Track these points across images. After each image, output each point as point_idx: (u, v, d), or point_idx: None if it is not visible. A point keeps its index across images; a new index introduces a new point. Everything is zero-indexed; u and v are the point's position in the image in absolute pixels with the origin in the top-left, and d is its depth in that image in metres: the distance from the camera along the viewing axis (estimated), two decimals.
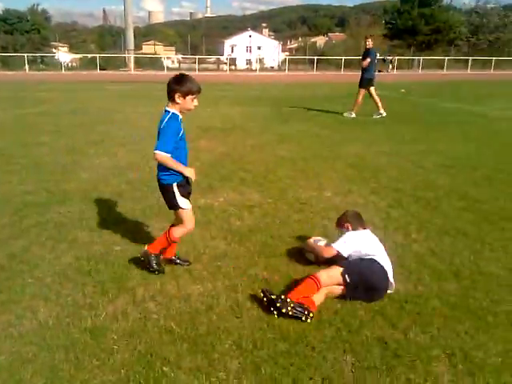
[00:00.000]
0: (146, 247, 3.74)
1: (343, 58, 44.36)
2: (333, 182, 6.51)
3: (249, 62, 66.81)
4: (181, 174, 3.50)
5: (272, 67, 61.15)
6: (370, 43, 12.64)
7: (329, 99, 18.01)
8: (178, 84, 3.39)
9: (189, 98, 3.42)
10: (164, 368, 2.64)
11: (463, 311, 3.27)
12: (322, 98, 18.40)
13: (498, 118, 12.87)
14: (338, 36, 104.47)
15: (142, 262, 3.74)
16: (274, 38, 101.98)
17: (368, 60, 12.56)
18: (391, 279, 3.46)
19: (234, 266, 3.90)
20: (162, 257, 3.80)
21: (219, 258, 4.07)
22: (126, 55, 45.03)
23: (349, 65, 43.99)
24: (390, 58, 43.08)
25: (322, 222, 4.95)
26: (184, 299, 3.37)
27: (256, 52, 76.23)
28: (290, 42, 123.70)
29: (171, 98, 3.43)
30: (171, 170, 3.46)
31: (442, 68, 43.84)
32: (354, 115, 12.92)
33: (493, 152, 8.52)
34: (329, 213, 5.20)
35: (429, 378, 2.61)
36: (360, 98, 12.98)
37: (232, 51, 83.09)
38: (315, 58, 45.43)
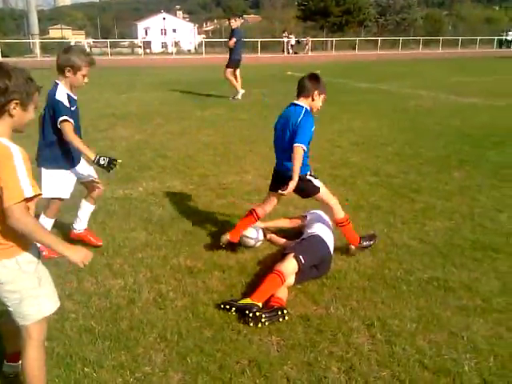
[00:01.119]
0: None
1: (259, 40, 44.54)
2: (254, 165, 6.55)
3: (164, 45, 65.17)
4: None
5: (189, 50, 60.05)
6: (234, 23, 12.65)
7: (246, 82, 18.02)
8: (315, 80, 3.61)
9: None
10: (85, 369, 2.54)
11: (380, 282, 3.45)
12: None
13: (407, 96, 13.58)
14: (253, 18, 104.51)
15: None
16: (189, 21, 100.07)
17: (234, 39, 12.48)
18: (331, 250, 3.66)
19: (156, 257, 3.82)
20: None
21: (140, 249, 3.96)
22: (31, 40, 42.02)
23: (266, 47, 44.25)
24: (305, 39, 43.91)
25: (245, 206, 4.97)
26: (104, 295, 3.25)
27: (171, 35, 74.42)
28: (206, 24, 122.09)
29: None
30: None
31: (354, 49, 45.39)
32: (240, 94, 12.89)
33: (402, 128, 9.00)
34: (251, 196, 5.23)
35: (350, 349, 2.72)
36: (233, 78, 12.87)
37: (146, 34, 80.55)
38: None
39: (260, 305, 3.01)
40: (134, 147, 7.53)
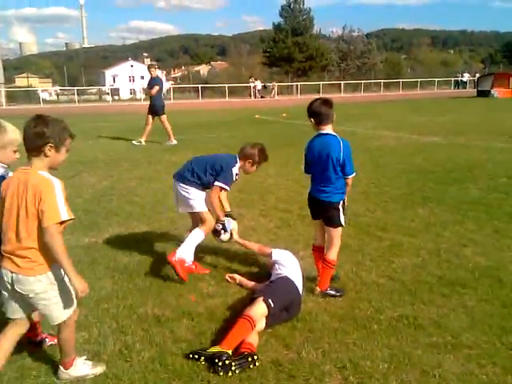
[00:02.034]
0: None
1: (226, 85, 45.54)
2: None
3: (133, 91, 65.63)
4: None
5: None
6: (153, 72, 13.17)
7: (213, 126, 18.27)
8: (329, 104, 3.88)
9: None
10: None
11: (350, 323, 3.43)
12: (207, 125, 18.59)
13: (371, 137, 14.00)
14: (220, 64, 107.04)
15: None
16: (157, 68, 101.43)
17: (156, 88, 12.81)
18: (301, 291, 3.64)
19: (123, 306, 3.70)
20: None
21: (106, 299, 3.84)
22: None
23: (233, 92, 45.22)
24: (271, 84, 45.17)
25: (215, 249, 4.92)
26: None
27: (139, 82, 75.18)
28: (174, 71, 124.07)
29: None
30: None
31: (319, 92, 46.85)
32: (143, 143, 12.96)
33: (367, 168, 9.20)
34: None
35: None
36: (149, 125, 13.08)
37: (114, 81, 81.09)
38: (199, 86, 46.03)
39: (230, 352, 2.93)
40: (100, 194, 7.43)
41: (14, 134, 2.87)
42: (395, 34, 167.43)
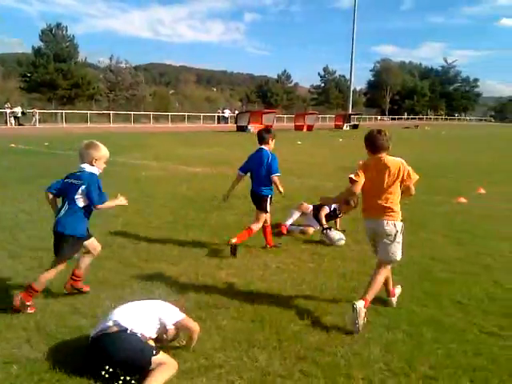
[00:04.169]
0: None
1: None
2: None
3: None
4: None
5: None
6: None
7: None
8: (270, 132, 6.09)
9: None
10: None
11: None
12: None
13: (139, 167, 14.04)
14: None
15: None
16: None
17: None
18: None
19: None
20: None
21: None
22: None
23: None
24: (31, 111, 41.52)
25: None
26: None
27: None
28: None
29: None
30: None
31: (87, 121, 45.16)
32: None
33: (133, 199, 9.04)
34: None
35: None
36: None
37: None
38: None
39: None
40: None
41: (106, 151, 4.29)
42: (163, 69, 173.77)
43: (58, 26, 54.28)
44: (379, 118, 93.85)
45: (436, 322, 4.04)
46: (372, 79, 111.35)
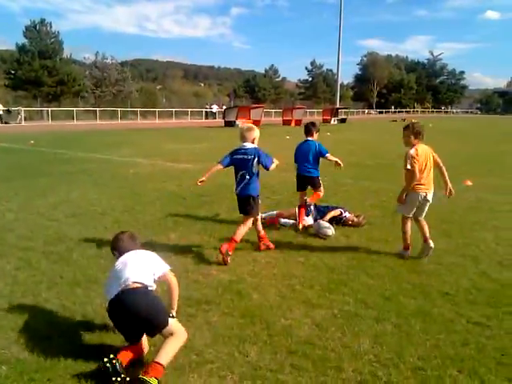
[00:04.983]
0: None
1: None
2: None
3: None
4: None
5: None
6: None
7: None
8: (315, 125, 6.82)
9: None
10: None
11: None
12: None
13: (127, 164, 13.93)
14: None
15: None
16: None
17: None
18: None
19: None
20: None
21: None
22: None
23: None
24: (17, 109, 40.99)
25: None
26: None
27: None
28: None
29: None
30: None
31: (73, 118, 44.68)
32: None
33: (121, 196, 9.10)
34: None
35: None
36: None
37: None
38: None
39: None
40: None
41: (258, 132, 5.43)
42: (150, 65, 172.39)
43: (42, 22, 53.47)
44: (366, 111, 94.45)
45: (424, 313, 4.09)
46: (359, 73, 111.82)
